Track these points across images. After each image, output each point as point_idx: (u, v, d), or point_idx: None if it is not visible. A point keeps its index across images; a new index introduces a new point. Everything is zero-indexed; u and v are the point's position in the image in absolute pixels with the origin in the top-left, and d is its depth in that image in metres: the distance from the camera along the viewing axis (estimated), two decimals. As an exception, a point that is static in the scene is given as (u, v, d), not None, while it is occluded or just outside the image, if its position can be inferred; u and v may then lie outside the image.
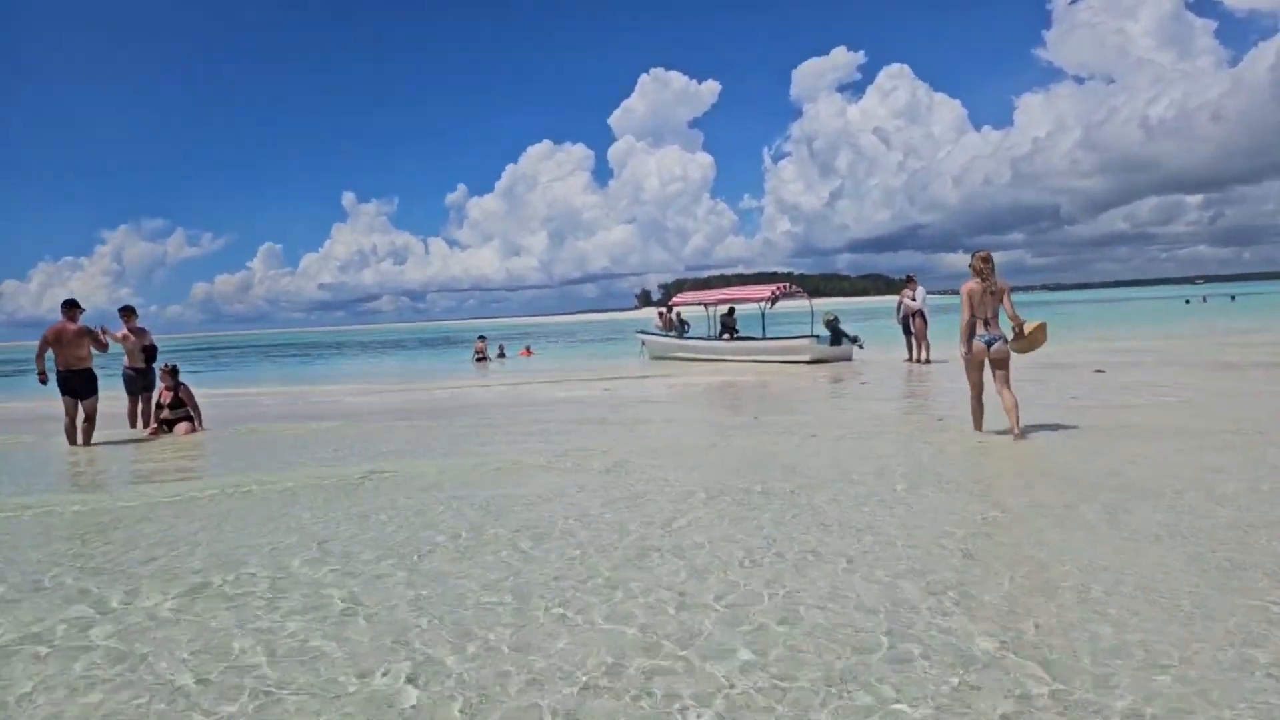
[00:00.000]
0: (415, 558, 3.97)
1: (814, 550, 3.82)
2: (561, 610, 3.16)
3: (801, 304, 19.91)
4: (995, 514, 4.42)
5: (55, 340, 8.81)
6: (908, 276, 16.00)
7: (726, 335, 19.82)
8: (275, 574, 3.80)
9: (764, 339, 18.81)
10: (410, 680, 2.59)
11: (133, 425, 10.01)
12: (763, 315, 19.27)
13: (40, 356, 8.90)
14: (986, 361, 6.74)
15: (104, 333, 9.34)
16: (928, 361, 15.25)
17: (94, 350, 9.14)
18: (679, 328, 22.40)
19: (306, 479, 6.18)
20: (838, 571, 3.50)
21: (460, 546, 4.15)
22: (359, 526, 4.66)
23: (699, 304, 21.35)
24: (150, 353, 10.21)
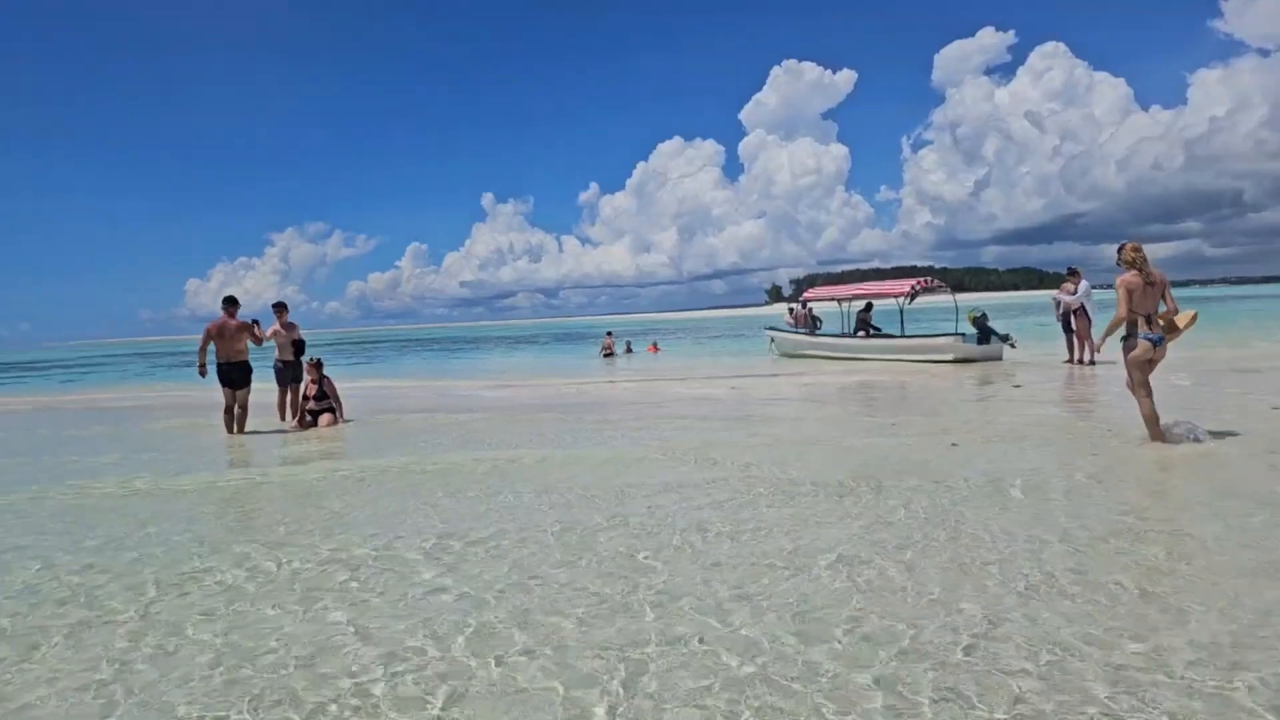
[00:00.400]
0: (533, 544, 3.82)
1: (958, 583, 3.34)
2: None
3: (944, 299, 18.64)
4: (1186, 544, 3.73)
5: (217, 334, 9.48)
6: (1070, 269, 14.53)
7: (862, 333, 18.88)
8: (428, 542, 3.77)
9: (903, 337, 17.75)
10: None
11: (282, 416, 10.62)
12: (901, 312, 18.20)
13: (202, 350, 9.58)
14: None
15: (256, 326, 9.97)
16: (1092, 363, 13.82)
17: (250, 344, 9.77)
18: (811, 324, 21.60)
19: (441, 464, 6.26)
20: (990, 613, 3.02)
21: (566, 537, 3.97)
22: (482, 505, 4.59)
23: (832, 299, 20.47)
24: (299, 347, 10.81)
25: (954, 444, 6.69)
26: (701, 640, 2.86)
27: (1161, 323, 6.17)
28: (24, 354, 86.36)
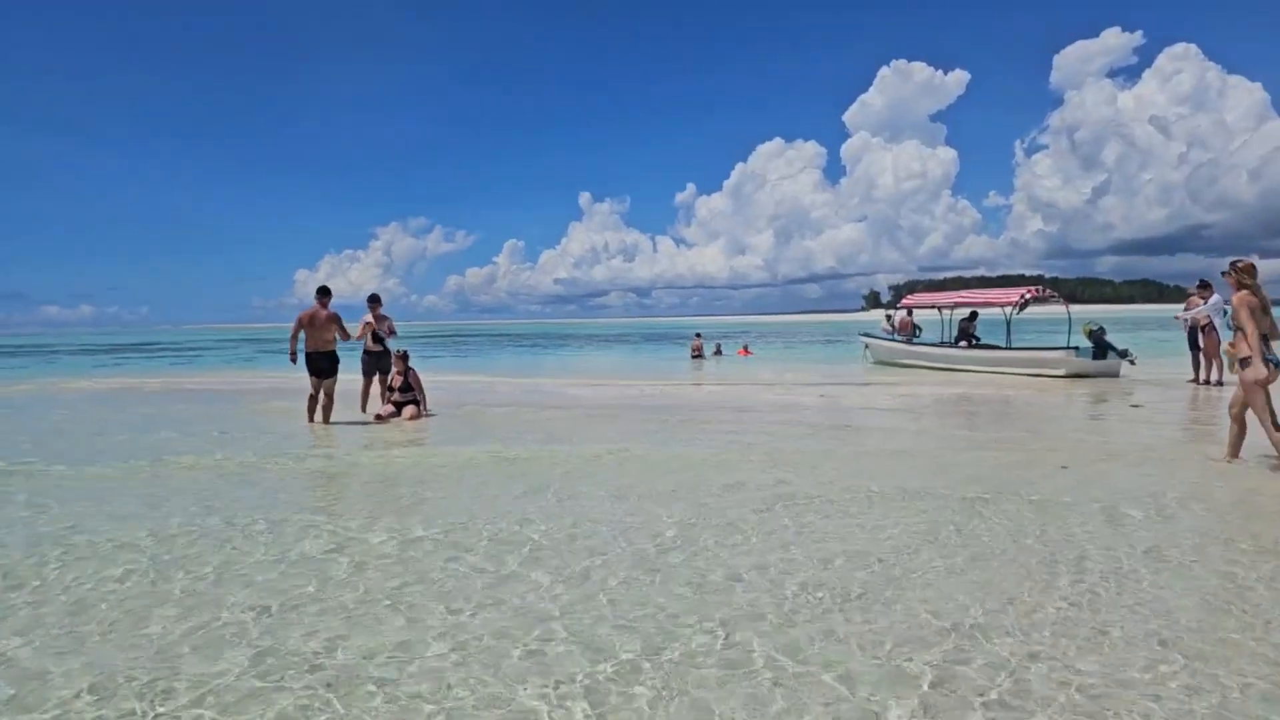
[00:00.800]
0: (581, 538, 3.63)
1: (1071, 635, 2.93)
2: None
3: (1057, 310, 17.45)
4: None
5: (309, 323, 9.70)
6: (1201, 281, 13.27)
7: (965, 343, 17.89)
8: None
9: (1009, 348, 16.71)
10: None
11: (363, 408, 10.72)
12: (1008, 322, 17.15)
13: (294, 337, 9.83)
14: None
15: (341, 322, 10.12)
16: (1220, 383, 12.62)
17: (339, 337, 9.90)
18: (911, 332, 20.65)
19: (505, 454, 6.18)
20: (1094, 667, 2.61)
21: (635, 540, 3.75)
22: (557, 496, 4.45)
23: (933, 306, 19.52)
24: (378, 338, 10.86)
25: (1064, 465, 6.13)
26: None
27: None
28: (140, 335, 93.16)
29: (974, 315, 19.06)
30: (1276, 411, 5.92)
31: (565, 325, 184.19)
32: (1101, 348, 14.89)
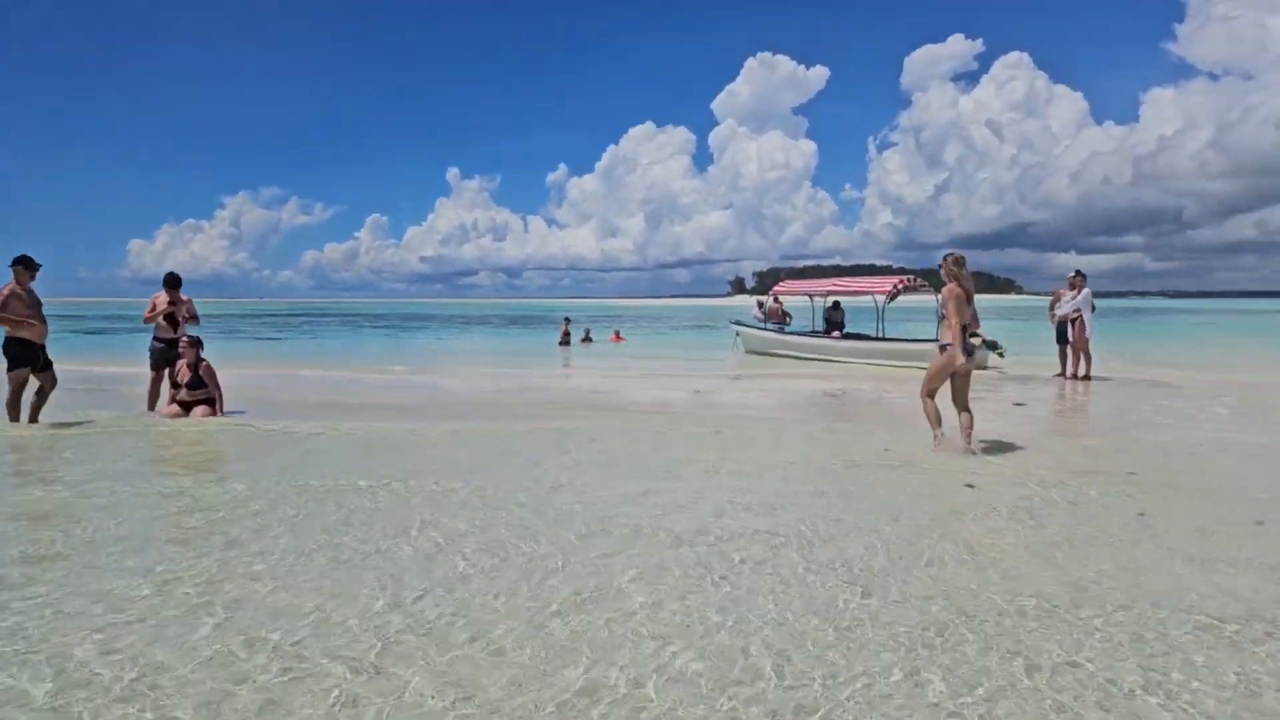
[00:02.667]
0: None
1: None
2: None
3: (925, 299, 17.33)
4: None
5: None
6: (1076, 272, 13.17)
7: (837, 333, 17.48)
8: None
9: (882, 339, 16.38)
10: None
11: (151, 407, 8.74)
12: (880, 312, 16.84)
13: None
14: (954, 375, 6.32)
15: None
16: (1087, 378, 12.60)
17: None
18: (781, 320, 20.13)
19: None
20: None
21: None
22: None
23: (805, 295, 19.07)
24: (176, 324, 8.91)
25: (969, 484, 5.24)
26: None
27: (976, 340, 6.36)
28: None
29: (838, 305, 18.77)
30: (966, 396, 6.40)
31: (430, 305, 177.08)
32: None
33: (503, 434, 7.55)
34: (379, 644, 2.78)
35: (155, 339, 8.87)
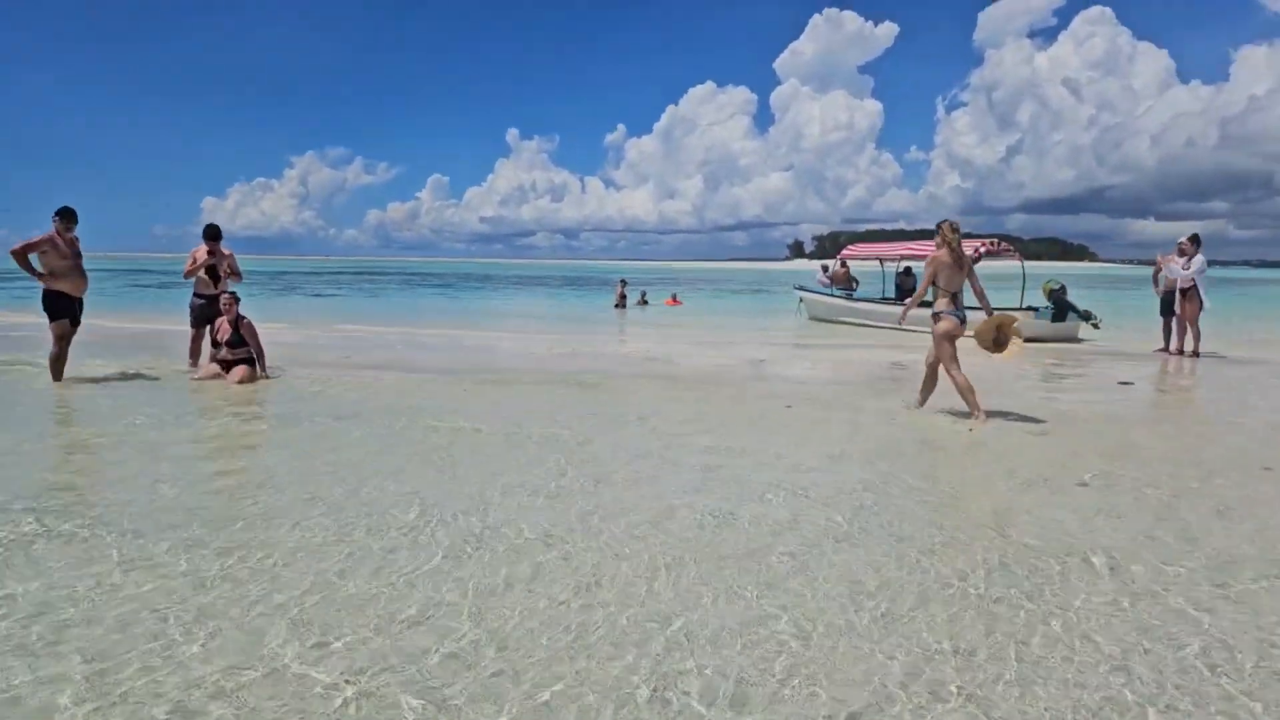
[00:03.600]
0: None
1: None
2: None
3: (1010, 265, 16.07)
4: None
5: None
6: (1192, 236, 11.66)
7: (909, 300, 16.39)
8: None
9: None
10: None
11: (193, 363, 8.47)
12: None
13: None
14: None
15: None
16: (1196, 354, 11.36)
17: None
18: (848, 286, 19.05)
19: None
20: None
21: None
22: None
23: (876, 259, 17.94)
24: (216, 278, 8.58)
25: (1082, 482, 4.44)
26: None
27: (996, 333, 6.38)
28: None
29: (910, 271, 17.60)
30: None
31: (489, 265, 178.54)
32: (1062, 308, 13.56)
33: (545, 399, 6.97)
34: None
35: (195, 295, 8.56)
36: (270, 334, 8.98)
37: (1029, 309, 13.61)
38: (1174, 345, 11.73)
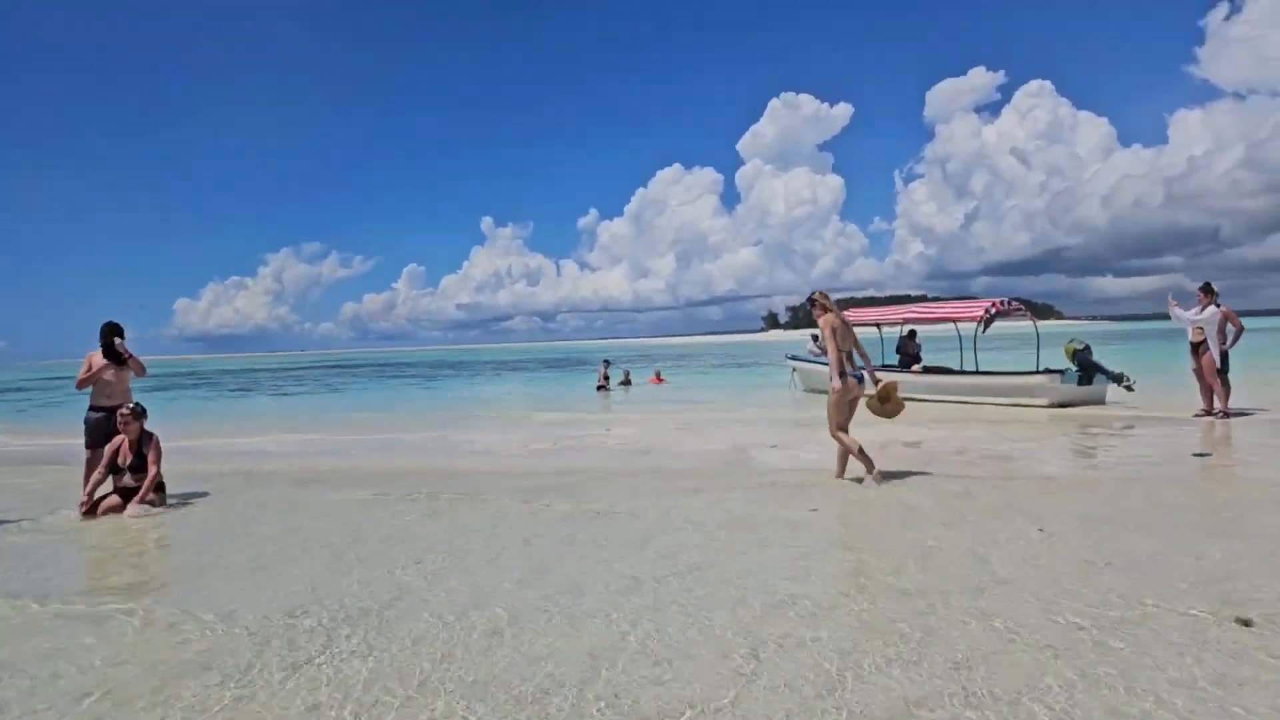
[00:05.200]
0: None
1: None
2: None
3: (1023, 326, 15.01)
4: None
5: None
6: (1205, 285, 10.66)
7: (917, 367, 15.18)
8: None
9: (975, 373, 14.01)
10: None
11: (89, 498, 6.82)
12: (975, 341, 14.49)
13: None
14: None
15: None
16: (1225, 415, 10.16)
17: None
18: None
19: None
20: None
21: None
22: None
23: (873, 324, 16.82)
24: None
25: (1244, 622, 3.06)
26: None
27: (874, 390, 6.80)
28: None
29: (913, 334, 16.52)
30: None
31: (465, 351, 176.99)
32: (1089, 370, 12.40)
33: (530, 523, 5.47)
34: None
35: (91, 408, 7.05)
36: (199, 446, 7.44)
37: (1051, 371, 12.44)
38: (1207, 404, 10.55)
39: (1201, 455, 7.55)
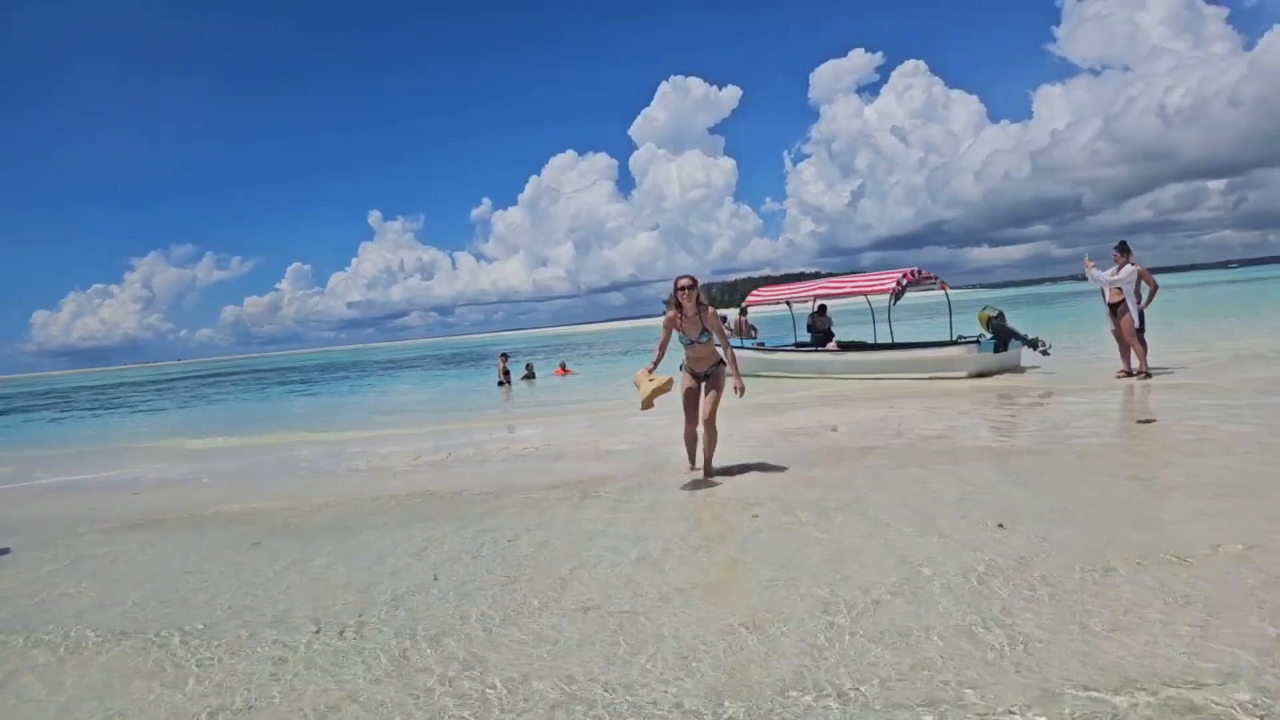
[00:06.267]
0: None
1: None
2: None
3: (933, 295, 14.73)
4: None
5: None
6: (1120, 244, 10.49)
7: (833, 345, 14.67)
8: None
9: (891, 346, 13.58)
10: None
11: None
12: (889, 313, 14.07)
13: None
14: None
15: None
16: (1147, 375, 10.04)
17: None
18: (747, 334, 17.28)
19: None
20: None
21: None
22: None
23: (784, 301, 16.25)
24: None
25: None
26: None
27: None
28: None
29: (824, 309, 16.06)
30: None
31: (358, 351, 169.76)
32: (1005, 336, 12.13)
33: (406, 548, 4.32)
34: None
35: None
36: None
37: (968, 340, 12.10)
38: (1126, 365, 10.43)
39: (1146, 421, 7.12)
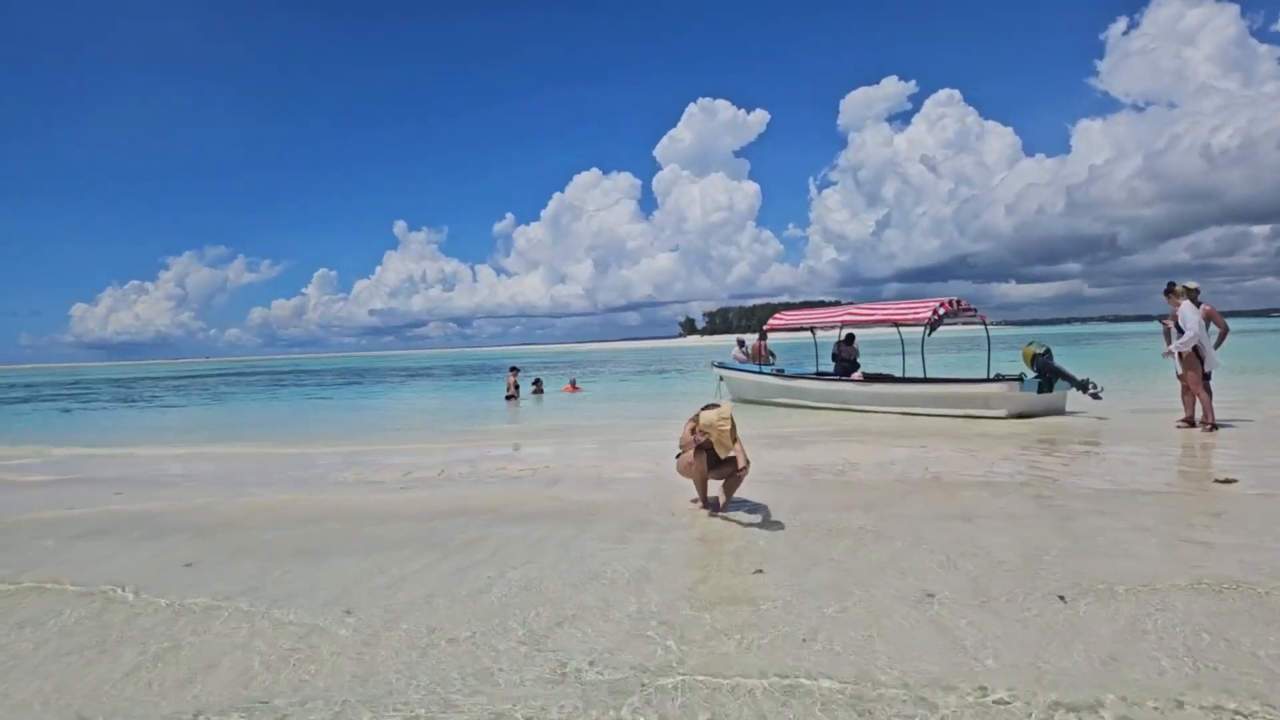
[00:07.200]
0: None
1: None
2: None
3: (973, 329, 13.91)
4: None
5: None
6: (1169, 285, 9.63)
7: (858, 375, 13.84)
8: None
9: (921, 380, 12.75)
10: None
11: None
12: (921, 345, 13.24)
13: None
14: None
15: None
16: (1213, 427, 9.15)
17: None
18: (764, 360, 16.47)
19: None
20: None
21: None
22: None
23: (808, 329, 15.47)
24: None
25: None
26: None
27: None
28: None
29: (851, 338, 15.27)
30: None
31: (375, 358, 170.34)
32: (1050, 375, 11.27)
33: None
34: None
35: None
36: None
37: (1010, 378, 11.24)
38: (1186, 415, 9.56)
39: (1226, 481, 6.28)
